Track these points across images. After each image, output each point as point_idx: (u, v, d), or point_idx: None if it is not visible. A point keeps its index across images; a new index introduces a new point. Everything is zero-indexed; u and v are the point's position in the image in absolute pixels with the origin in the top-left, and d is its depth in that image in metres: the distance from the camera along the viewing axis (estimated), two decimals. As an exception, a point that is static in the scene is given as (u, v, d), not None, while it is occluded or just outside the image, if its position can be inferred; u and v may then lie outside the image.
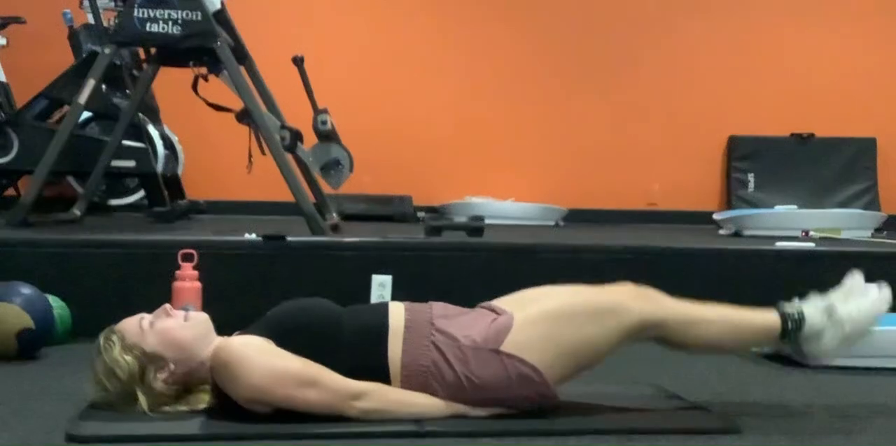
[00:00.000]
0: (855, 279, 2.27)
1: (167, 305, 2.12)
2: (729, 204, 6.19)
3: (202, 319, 2.12)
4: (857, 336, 2.20)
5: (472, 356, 2.04)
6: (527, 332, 2.06)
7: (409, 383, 2.04)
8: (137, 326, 2.07)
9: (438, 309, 2.15)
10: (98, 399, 2.07)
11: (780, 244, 3.86)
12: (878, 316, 2.21)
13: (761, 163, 6.27)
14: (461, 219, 4.28)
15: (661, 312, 2.15)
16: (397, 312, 2.11)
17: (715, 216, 5.07)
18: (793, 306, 2.22)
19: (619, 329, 2.09)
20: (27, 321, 2.77)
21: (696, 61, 6.27)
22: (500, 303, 2.18)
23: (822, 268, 3.61)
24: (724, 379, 2.71)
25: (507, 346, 2.04)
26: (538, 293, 2.19)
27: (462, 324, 2.10)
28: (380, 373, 2.04)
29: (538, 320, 2.08)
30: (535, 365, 2.04)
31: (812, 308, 2.21)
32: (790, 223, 4.66)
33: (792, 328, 2.18)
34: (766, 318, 2.21)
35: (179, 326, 2.07)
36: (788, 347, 2.25)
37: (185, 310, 2.18)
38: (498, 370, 2.03)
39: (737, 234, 4.71)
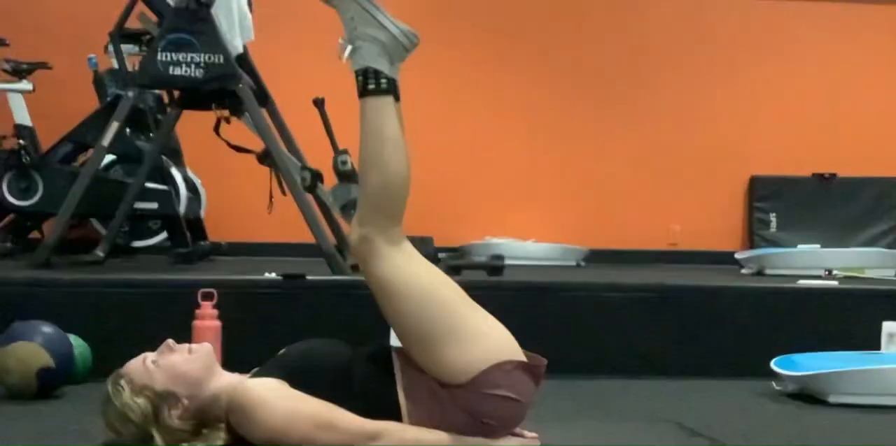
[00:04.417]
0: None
1: (170, 340, 2.11)
2: (751, 244, 6.16)
3: (207, 351, 2.11)
4: (367, 9, 2.11)
5: (455, 400, 2.02)
6: (439, 366, 2.01)
7: (420, 425, 2.03)
8: (143, 367, 2.06)
9: None
10: (112, 442, 2.07)
11: (803, 282, 3.83)
12: None
13: (783, 203, 6.25)
14: (482, 259, 4.27)
15: (380, 223, 2.04)
16: (397, 357, 2.11)
17: (737, 255, 5.04)
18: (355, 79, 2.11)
19: (413, 271, 2.04)
20: (47, 360, 2.77)
21: (718, 101, 6.28)
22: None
23: (845, 307, 3.59)
24: (746, 416, 2.68)
25: (455, 380, 2.00)
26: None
27: None
28: (392, 415, 2.03)
29: (423, 357, 2.03)
30: (484, 366, 1.99)
31: (351, 61, 2.12)
32: (813, 262, 4.63)
33: (372, 80, 2.09)
34: (365, 109, 2.09)
35: (185, 360, 2.06)
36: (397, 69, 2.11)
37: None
38: (481, 397, 2.00)
39: (759, 273, 4.68)
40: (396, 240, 2.07)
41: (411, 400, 2.03)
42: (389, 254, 2.05)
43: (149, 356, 2.08)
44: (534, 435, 2.11)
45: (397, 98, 2.13)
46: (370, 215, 2.07)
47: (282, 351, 2.17)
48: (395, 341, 3.26)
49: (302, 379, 2.02)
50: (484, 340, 2.04)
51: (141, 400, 2.01)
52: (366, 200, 2.08)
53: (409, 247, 2.09)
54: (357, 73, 2.12)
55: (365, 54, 2.12)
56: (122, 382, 2.04)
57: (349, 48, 2.13)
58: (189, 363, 2.06)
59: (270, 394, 1.98)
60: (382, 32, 2.13)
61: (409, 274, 2.06)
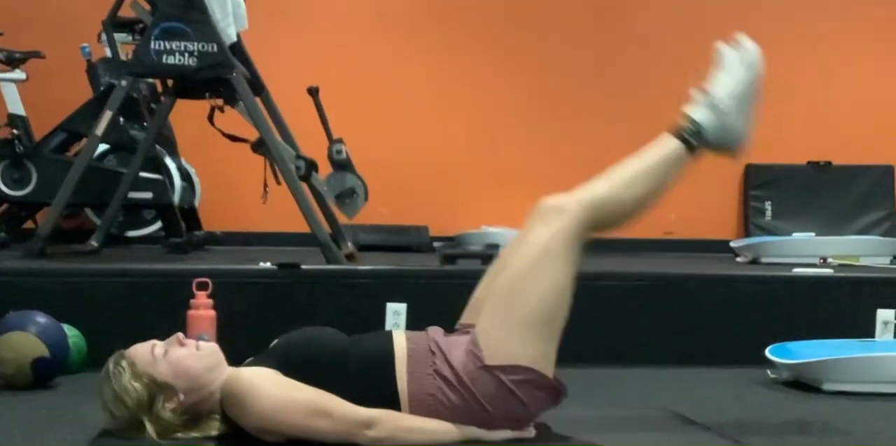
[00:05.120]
0: (721, 50, 2.25)
1: (180, 334, 2.11)
2: (746, 232, 6.16)
3: (214, 350, 2.11)
4: (749, 98, 2.17)
5: (468, 378, 2.02)
6: (494, 336, 2.02)
7: (418, 411, 2.03)
8: (149, 354, 2.05)
9: (434, 334, 2.14)
10: (105, 423, 2.06)
11: (798, 270, 3.83)
12: (754, 69, 2.17)
13: (779, 191, 6.24)
14: (477, 247, 4.27)
15: (578, 217, 2.08)
16: (399, 341, 2.10)
17: (732, 244, 5.04)
18: (681, 118, 2.18)
19: (565, 261, 2.05)
20: (42, 349, 2.77)
21: (712, 90, 6.26)
22: (464, 316, 2.17)
23: (840, 295, 3.60)
24: (741, 404, 2.69)
25: (490, 358, 2.01)
26: (482, 287, 2.18)
27: (451, 347, 2.08)
28: (389, 402, 2.03)
29: (493, 318, 2.04)
30: (525, 364, 2.01)
31: (697, 109, 2.17)
32: (808, 250, 4.63)
33: (693, 140, 2.15)
34: (665, 146, 2.17)
35: (192, 356, 2.06)
36: (710, 152, 2.18)
37: (200, 339, 2.18)
38: (495, 384, 2.01)
39: (754, 262, 4.68)
40: (581, 237, 2.07)
41: (414, 382, 2.03)
42: (566, 237, 2.05)
43: (158, 344, 2.08)
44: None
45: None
46: (590, 203, 2.09)
47: (275, 342, 2.17)
48: (391, 326, 3.28)
49: (296, 368, 2.02)
50: (548, 356, 2.04)
51: (138, 386, 2.01)
52: (601, 194, 2.12)
53: (578, 252, 2.07)
54: (691, 120, 2.16)
55: (712, 118, 2.16)
56: (124, 364, 2.04)
57: (711, 103, 2.16)
58: (194, 360, 2.05)
59: (263, 382, 1.98)
60: (740, 121, 2.18)
61: (561, 264, 2.04)
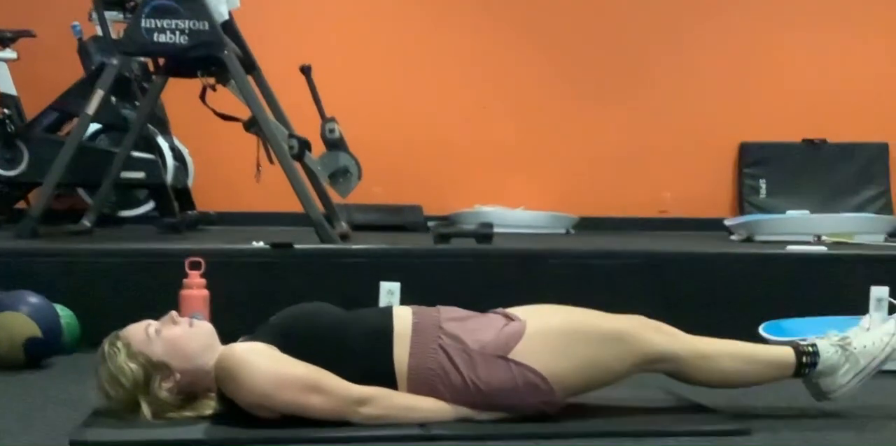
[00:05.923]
0: (872, 317, 2.32)
1: (174, 312, 2.11)
2: (741, 210, 6.16)
3: (208, 329, 2.11)
4: (872, 369, 2.19)
5: (480, 360, 2.03)
6: (537, 342, 2.05)
7: (416, 386, 2.03)
8: (144, 333, 2.05)
9: (447, 312, 2.14)
10: (101, 405, 2.06)
11: (792, 248, 3.83)
12: (894, 349, 2.20)
13: (773, 169, 6.24)
14: (471, 226, 4.27)
15: (672, 345, 2.14)
16: (404, 315, 2.10)
17: (726, 222, 5.04)
18: (807, 341, 2.22)
19: (629, 356, 2.09)
20: (34, 329, 2.77)
21: (707, 68, 6.25)
22: (515, 310, 2.17)
23: (834, 272, 3.60)
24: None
25: (517, 353, 2.03)
26: (553, 308, 2.20)
27: (471, 327, 2.09)
28: (386, 376, 2.03)
29: (550, 332, 2.07)
30: (543, 374, 2.02)
31: (826, 343, 2.20)
32: (802, 228, 4.62)
33: (807, 363, 2.17)
34: (780, 353, 2.21)
35: (186, 334, 2.06)
36: (803, 383, 2.23)
37: (194, 318, 2.17)
38: (505, 376, 2.02)
39: (748, 240, 4.68)
40: (653, 357, 2.12)
41: (415, 356, 2.03)
42: (646, 347, 2.09)
43: (152, 324, 2.08)
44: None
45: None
46: (684, 345, 2.15)
47: (272, 318, 2.16)
48: (385, 302, 3.27)
49: (294, 342, 2.02)
50: (566, 386, 2.06)
51: (134, 366, 2.01)
52: (698, 348, 2.17)
53: (636, 365, 2.12)
54: (816, 349, 2.19)
55: (836, 358, 2.18)
56: (119, 344, 2.04)
57: (844, 346, 2.20)
58: (189, 338, 2.06)
59: (256, 357, 1.98)
60: (853, 378, 2.19)
61: (621, 354, 2.08)
